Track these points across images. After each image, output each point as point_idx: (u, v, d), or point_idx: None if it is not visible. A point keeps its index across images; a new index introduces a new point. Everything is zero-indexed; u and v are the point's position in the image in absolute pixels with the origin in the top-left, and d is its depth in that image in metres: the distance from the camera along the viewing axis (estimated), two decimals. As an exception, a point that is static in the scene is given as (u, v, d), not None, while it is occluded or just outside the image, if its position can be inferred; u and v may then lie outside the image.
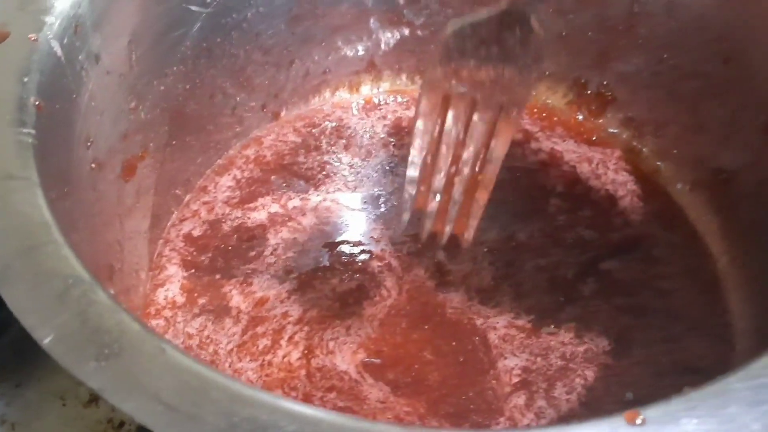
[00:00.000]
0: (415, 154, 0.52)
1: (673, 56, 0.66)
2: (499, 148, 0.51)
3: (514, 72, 0.48)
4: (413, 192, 0.53)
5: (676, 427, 0.33)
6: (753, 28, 0.59)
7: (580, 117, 0.74)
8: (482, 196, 0.53)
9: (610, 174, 0.70)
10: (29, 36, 0.48)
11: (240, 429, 0.32)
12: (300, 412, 0.33)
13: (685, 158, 0.68)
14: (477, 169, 0.52)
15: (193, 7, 0.61)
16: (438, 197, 0.53)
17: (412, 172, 0.52)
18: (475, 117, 0.50)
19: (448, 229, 0.54)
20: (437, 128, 0.51)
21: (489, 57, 0.48)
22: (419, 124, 0.51)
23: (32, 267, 0.38)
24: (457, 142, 0.51)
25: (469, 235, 0.54)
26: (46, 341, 0.35)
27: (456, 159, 0.52)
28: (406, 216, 0.54)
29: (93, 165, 0.53)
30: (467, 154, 0.51)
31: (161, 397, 0.33)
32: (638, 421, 0.33)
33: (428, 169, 0.52)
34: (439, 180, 0.52)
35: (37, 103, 0.45)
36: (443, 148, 0.51)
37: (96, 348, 0.35)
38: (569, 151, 0.72)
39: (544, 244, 0.65)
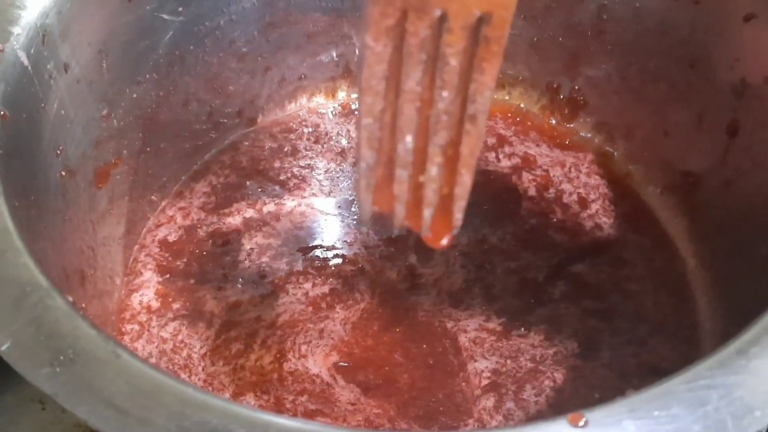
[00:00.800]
0: (368, 111, 0.38)
1: (641, 61, 0.67)
2: (483, 88, 0.37)
3: None
4: (371, 163, 0.39)
5: (619, 428, 0.34)
6: (715, 33, 0.60)
7: (553, 121, 0.74)
8: (467, 169, 0.39)
9: (583, 177, 0.71)
10: (-5, 47, 0.49)
11: (190, 433, 0.33)
12: (250, 416, 0.34)
13: (655, 162, 0.69)
14: (455, 129, 0.39)
15: (165, 16, 0.62)
16: (404, 175, 0.39)
17: (367, 139, 0.39)
18: (445, 46, 0.37)
19: (427, 214, 0.40)
20: (393, 71, 0.38)
21: None
22: (369, 64, 0.37)
23: (-9, 274, 0.39)
24: (424, 92, 0.38)
25: (457, 224, 0.41)
26: (2, 348, 0.35)
27: (424, 117, 0.38)
28: (366, 202, 0.40)
29: (63, 173, 0.53)
30: (440, 105, 0.38)
31: (114, 401, 0.34)
32: (581, 423, 0.34)
33: (387, 136, 0.39)
34: (405, 149, 0.39)
35: (1, 113, 0.46)
36: (405, 99, 0.38)
37: (51, 353, 0.35)
38: (542, 155, 0.72)
39: (516, 247, 0.66)
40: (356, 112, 0.74)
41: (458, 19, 0.36)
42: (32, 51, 0.50)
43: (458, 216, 0.40)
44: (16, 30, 0.50)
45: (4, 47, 0.48)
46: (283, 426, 0.34)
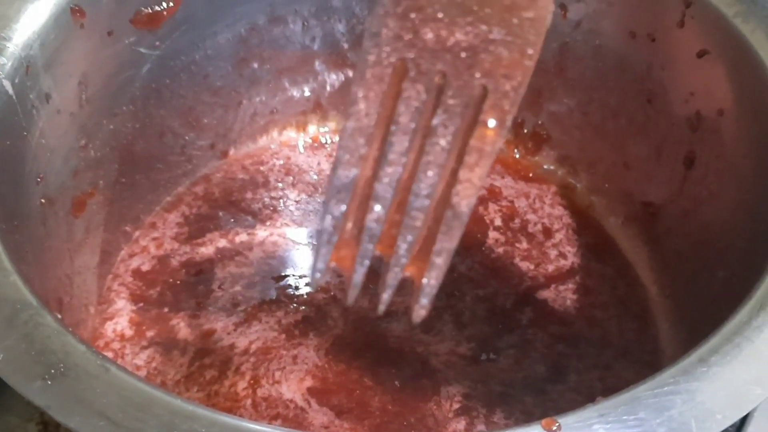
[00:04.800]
0: (343, 173, 0.35)
1: (601, 96, 0.69)
2: (469, 189, 0.34)
3: (503, 40, 0.33)
4: (338, 216, 0.36)
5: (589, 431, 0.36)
6: (671, 69, 0.62)
7: (518, 155, 0.77)
8: (443, 258, 0.36)
9: (547, 208, 0.73)
10: (-19, 75, 0.50)
11: (180, 442, 0.34)
12: (237, 425, 0.35)
13: (616, 193, 0.71)
14: (435, 215, 0.36)
15: (143, 50, 0.63)
16: (370, 249, 0.36)
17: (338, 203, 0.35)
18: (437, 120, 0.34)
19: (385, 297, 0.38)
20: (380, 131, 0.35)
21: (468, 4, 0.33)
22: (352, 124, 0.35)
23: (-19, 293, 0.40)
24: (408, 166, 0.35)
25: (417, 315, 0.38)
26: (-6, 363, 0.36)
27: (404, 192, 0.35)
28: (320, 267, 0.37)
29: (43, 200, 0.54)
30: (422, 184, 0.35)
31: (105, 412, 0.35)
32: (554, 428, 0.36)
33: (359, 199, 0.36)
34: (374, 219, 0.36)
35: (-13, 139, 0.47)
36: (386, 172, 0.35)
37: (42, 368, 0.36)
38: (507, 186, 0.75)
39: (484, 275, 0.67)
40: (327, 148, 0.77)
41: (459, 85, 0.33)
42: (16, 81, 0.51)
43: (423, 302, 0.37)
44: (2, 60, 0.51)
45: (-11, 77, 0.50)
46: (270, 435, 0.35)
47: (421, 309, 0.37)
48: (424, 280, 0.37)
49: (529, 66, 0.34)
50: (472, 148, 0.34)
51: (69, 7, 0.55)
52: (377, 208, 0.35)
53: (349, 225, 0.36)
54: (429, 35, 0.33)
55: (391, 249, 0.36)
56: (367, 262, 0.36)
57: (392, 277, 0.37)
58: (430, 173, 0.35)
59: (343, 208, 0.35)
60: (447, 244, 0.36)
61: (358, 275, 0.37)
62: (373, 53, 0.34)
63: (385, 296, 0.37)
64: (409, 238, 0.35)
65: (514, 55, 0.33)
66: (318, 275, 0.36)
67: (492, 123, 0.34)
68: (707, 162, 0.61)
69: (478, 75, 0.33)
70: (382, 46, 0.34)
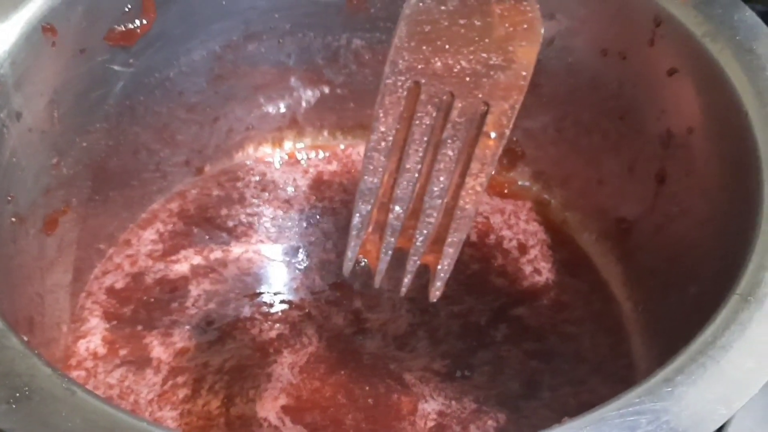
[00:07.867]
0: (369, 179, 0.43)
1: (574, 113, 0.70)
2: (474, 195, 0.42)
3: (501, 66, 0.39)
4: (361, 231, 0.44)
5: (556, 453, 0.36)
6: (642, 87, 0.63)
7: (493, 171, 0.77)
8: (453, 248, 0.44)
9: (522, 224, 0.73)
10: (-50, 95, 0.50)
11: (146, 466, 0.34)
12: (204, 448, 0.35)
13: (590, 209, 0.71)
14: (447, 213, 0.44)
15: (116, 67, 0.63)
16: (392, 241, 0.44)
17: (365, 203, 0.43)
18: (446, 134, 0.41)
19: (406, 281, 0.45)
20: (398, 144, 0.42)
21: (470, 36, 0.39)
22: (375, 137, 0.42)
23: (-55, 316, 0.39)
24: (423, 173, 0.43)
25: (435, 295, 0.46)
26: (-42, 387, 0.36)
27: (420, 194, 0.43)
28: (350, 256, 0.44)
29: (13, 219, 0.54)
30: (435, 188, 0.42)
31: (70, 437, 0.35)
32: (521, 449, 0.36)
33: (382, 199, 0.44)
34: (395, 217, 0.44)
35: (-44, 158, 0.47)
36: (404, 178, 0.42)
37: (7, 391, 0.36)
38: (483, 203, 0.75)
39: (459, 291, 0.67)
40: (303, 164, 0.77)
41: (463, 106, 0.40)
42: (-14, 100, 0.51)
43: (438, 285, 0.45)
44: (-29, 79, 0.51)
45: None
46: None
47: (436, 291, 0.45)
48: (439, 267, 0.44)
49: (524, 86, 0.41)
50: (476, 157, 0.41)
51: (40, 26, 0.55)
52: (397, 208, 0.43)
53: (371, 227, 0.44)
54: (438, 64, 0.40)
55: (409, 243, 0.44)
56: (390, 252, 0.44)
57: (411, 264, 0.44)
58: (441, 179, 0.42)
59: (369, 207, 0.43)
60: (457, 237, 0.44)
61: (383, 263, 0.44)
62: (391, 79, 0.40)
63: (406, 280, 0.45)
64: (425, 232, 0.43)
65: (510, 78, 0.40)
66: (349, 263, 0.44)
67: (493, 135, 0.41)
68: (678, 179, 0.61)
69: (480, 96, 0.40)
70: (397, 74, 0.40)
